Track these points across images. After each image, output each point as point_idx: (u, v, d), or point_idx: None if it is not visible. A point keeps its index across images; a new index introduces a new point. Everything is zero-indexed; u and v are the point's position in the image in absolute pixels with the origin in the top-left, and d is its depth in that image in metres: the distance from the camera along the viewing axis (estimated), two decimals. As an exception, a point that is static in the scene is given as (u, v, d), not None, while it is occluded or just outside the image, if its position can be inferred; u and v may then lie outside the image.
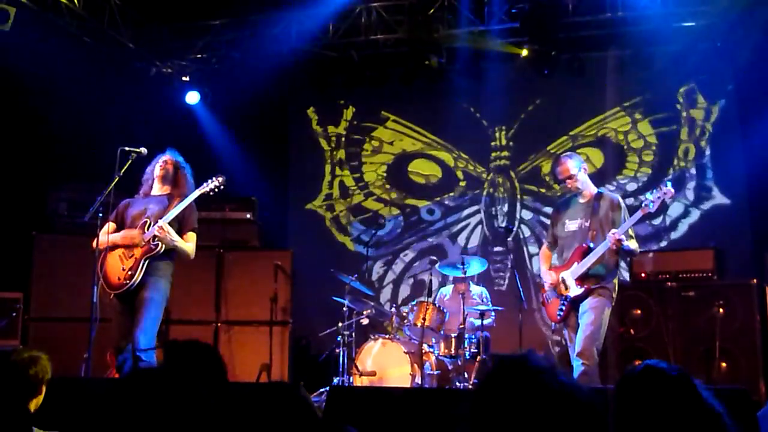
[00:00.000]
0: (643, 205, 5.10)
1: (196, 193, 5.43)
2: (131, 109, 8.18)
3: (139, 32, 8.17)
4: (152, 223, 5.27)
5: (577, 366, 4.96)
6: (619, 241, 4.98)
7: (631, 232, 5.19)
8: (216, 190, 5.54)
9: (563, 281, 5.22)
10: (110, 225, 5.46)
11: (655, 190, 5.11)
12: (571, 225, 5.33)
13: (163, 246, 5.23)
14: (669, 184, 5.11)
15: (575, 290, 5.16)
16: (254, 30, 8.07)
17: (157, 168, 5.52)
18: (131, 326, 5.14)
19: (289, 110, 9.69)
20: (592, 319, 5.03)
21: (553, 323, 5.45)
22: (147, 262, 5.23)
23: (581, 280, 5.15)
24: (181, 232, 5.36)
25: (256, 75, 8.65)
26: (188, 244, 5.39)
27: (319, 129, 9.51)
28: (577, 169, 5.33)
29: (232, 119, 8.95)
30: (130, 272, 5.21)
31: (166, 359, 1.75)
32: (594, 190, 5.40)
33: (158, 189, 5.52)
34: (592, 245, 5.15)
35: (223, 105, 8.94)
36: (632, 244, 5.15)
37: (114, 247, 5.35)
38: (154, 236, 5.21)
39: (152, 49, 8.39)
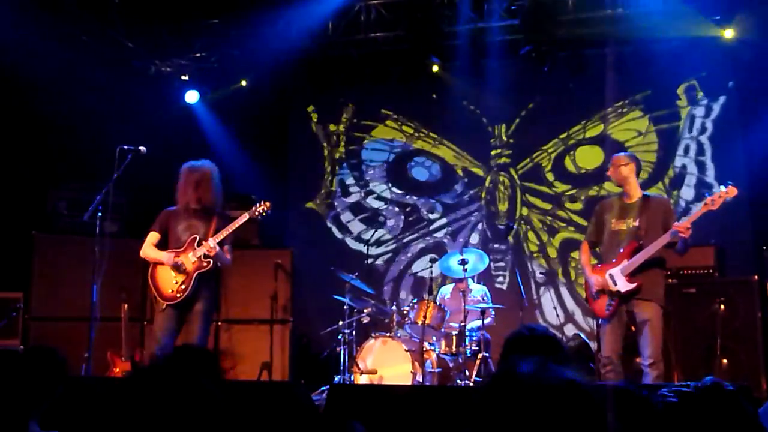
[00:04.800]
0: (705, 201, 5.29)
1: (245, 217, 5.61)
2: (130, 108, 8.17)
3: (137, 31, 8.15)
4: (201, 240, 5.51)
5: (650, 372, 5.23)
6: (689, 230, 5.16)
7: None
8: (263, 214, 5.75)
9: (611, 277, 5.36)
10: (154, 235, 5.65)
11: (721, 187, 5.30)
12: (619, 224, 5.48)
13: (213, 264, 5.50)
14: (729, 183, 5.30)
15: (625, 286, 5.30)
16: (253, 28, 8.06)
17: (191, 188, 5.62)
18: (179, 334, 5.48)
19: (288, 108, 9.68)
20: (654, 330, 5.29)
21: (600, 319, 5.59)
22: (199, 276, 5.47)
23: (631, 276, 5.31)
24: (221, 244, 5.56)
25: (256, 73, 8.67)
26: (228, 255, 5.66)
27: (319, 127, 9.51)
28: (627, 166, 5.53)
29: (232, 118, 8.94)
30: (183, 286, 5.46)
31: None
32: (640, 191, 5.58)
33: (196, 201, 5.63)
34: (642, 243, 5.32)
35: (223, 104, 8.93)
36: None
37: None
38: (205, 254, 5.45)
39: (151, 48, 8.38)
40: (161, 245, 5.63)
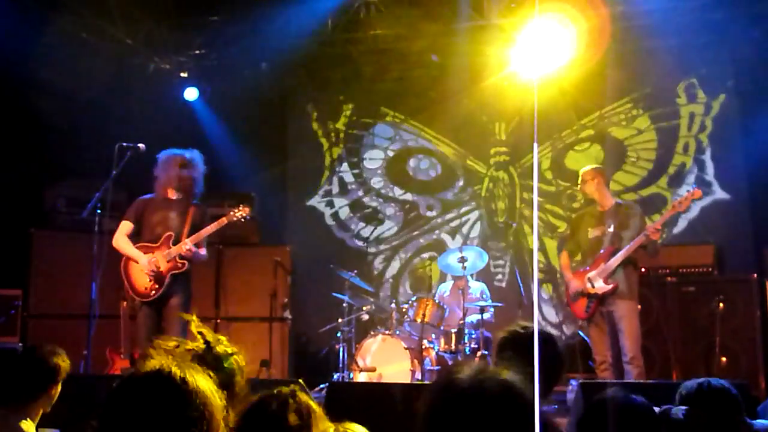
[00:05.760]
0: (673, 204, 5.71)
1: (223, 222, 5.56)
2: (129, 105, 8.16)
3: (136, 28, 8.13)
4: (176, 238, 5.46)
5: (631, 369, 5.46)
6: (659, 231, 5.57)
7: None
8: (241, 220, 5.67)
9: (590, 280, 5.70)
10: (127, 224, 5.59)
11: (690, 189, 5.68)
12: (596, 232, 5.84)
13: (189, 265, 5.47)
14: (694, 186, 5.80)
15: (603, 287, 5.64)
16: (253, 26, 8.04)
17: (175, 177, 5.58)
18: (159, 327, 5.42)
19: (287, 106, 9.67)
20: (631, 325, 5.57)
21: (580, 320, 6.13)
22: (173, 275, 5.44)
23: (608, 278, 5.65)
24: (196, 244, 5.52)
25: (255, 71, 8.65)
26: (203, 252, 5.62)
27: (319, 125, 9.50)
28: (594, 180, 5.89)
29: (231, 115, 8.93)
30: (157, 284, 5.42)
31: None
32: (612, 199, 5.95)
33: (171, 192, 5.61)
34: (617, 247, 5.67)
35: (222, 101, 8.92)
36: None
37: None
38: (180, 254, 5.41)
39: (150, 45, 8.35)
40: (134, 234, 5.59)
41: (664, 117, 8.23)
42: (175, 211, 5.56)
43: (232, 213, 5.63)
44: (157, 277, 5.41)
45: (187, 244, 5.39)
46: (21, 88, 7.31)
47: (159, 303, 5.45)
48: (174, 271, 5.42)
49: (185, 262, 5.44)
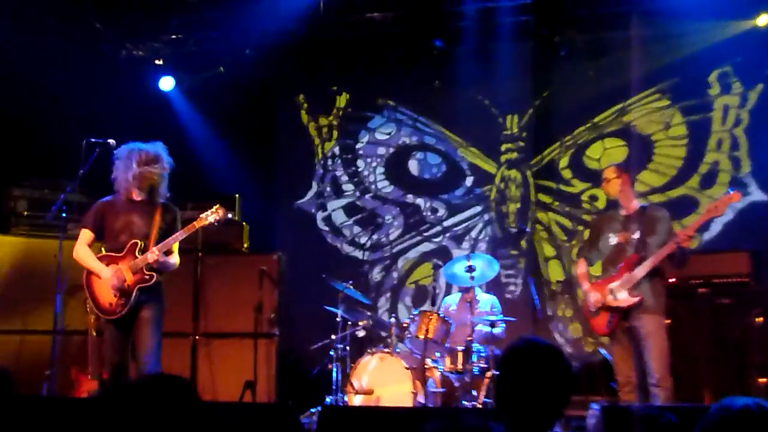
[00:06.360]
0: (708, 208, 5.57)
1: (193, 227, 5.48)
2: (98, 96, 8.13)
3: (106, 10, 8.13)
4: (143, 247, 5.36)
5: (658, 392, 5.43)
6: (691, 238, 5.50)
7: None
8: (216, 223, 5.61)
9: (611, 292, 5.66)
10: (86, 233, 5.51)
11: (728, 192, 5.59)
12: (618, 238, 5.80)
13: (157, 276, 5.38)
14: (732, 189, 5.66)
15: (627, 299, 5.59)
16: (235, 7, 8.04)
17: (140, 174, 5.47)
18: (128, 344, 5.34)
19: (275, 98, 9.68)
20: (658, 343, 5.53)
21: (600, 337, 6.08)
22: (140, 288, 5.35)
23: (632, 289, 5.59)
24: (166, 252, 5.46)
25: (239, 58, 8.65)
26: (175, 259, 5.55)
27: (310, 118, 9.51)
28: (619, 179, 5.83)
29: (212, 108, 8.93)
30: (122, 300, 5.32)
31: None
32: (637, 202, 5.89)
33: (135, 192, 5.52)
34: (643, 255, 5.60)
35: (201, 92, 8.92)
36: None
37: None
38: (148, 265, 5.32)
39: (121, 29, 8.37)
40: (96, 242, 5.52)
41: (695, 109, 8.23)
42: (139, 214, 5.46)
43: (204, 216, 5.55)
44: (123, 291, 5.32)
45: (154, 253, 5.30)
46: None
47: (127, 320, 5.35)
48: (141, 285, 5.33)
49: (153, 273, 5.36)
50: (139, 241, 5.38)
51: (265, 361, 7.59)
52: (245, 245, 8.15)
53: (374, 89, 9.26)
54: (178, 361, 7.30)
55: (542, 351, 2.52)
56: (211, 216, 5.55)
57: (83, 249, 5.45)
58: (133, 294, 5.31)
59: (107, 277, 5.34)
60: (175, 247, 5.52)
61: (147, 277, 5.34)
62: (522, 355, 2.56)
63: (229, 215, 5.66)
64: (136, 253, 5.36)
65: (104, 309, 5.35)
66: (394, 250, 9.09)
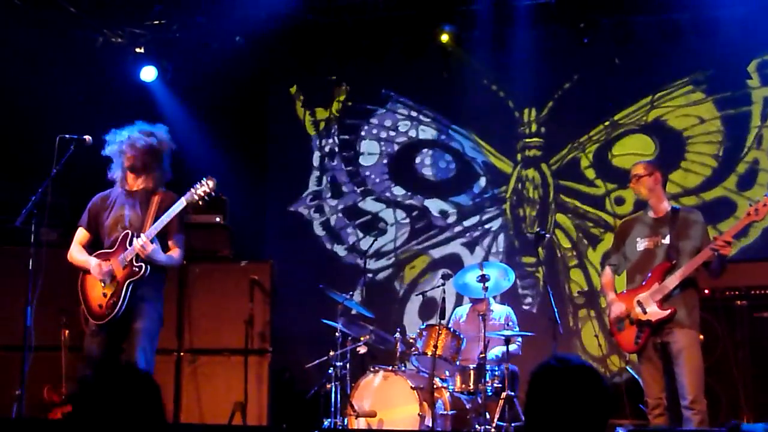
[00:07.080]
0: (748, 211, 5.45)
1: (182, 203, 5.46)
2: (72, 88, 8.18)
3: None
4: (135, 236, 5.36)
5: (691, 416, 5.41)
6: (729, 244, 5.37)
7: None
8: (206, 198, 5.55)
9: (639, 304, 5.60)
10: (82, 232, 5.60)
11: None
12: (647, 243, 5.75)
13: (148, 268, 5.35)
14: None
15: (657, 312, 5.54)
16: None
17: (123, 158, 5.55)
18: (107, 354, 5.29)
19: (267, 88, 9.72)
20: (692, 360, 5.50)
21: (628, 354, 6.00)
22: (132, 285, 5.34)
23: (663, 301, 5.55)
24: (165, 238, 5.48)
25: (227, 45, 8.67)
26: (174, 254, 5.53)
27: (305, 112, 9.55)
28: (651, 177, 5.75)
29: (197, 100, 8.96)
30: (113, 299, 5.34)
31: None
32: (668, 204, 5.85)
33: (131, 181, 5.59)
34: (675, 263, 5.57)
35: (187, 82, 8.95)
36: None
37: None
38: (136, 256, 5.31)
39: (98, 14, 8.38)
40: (95, 244, 5.58)
41: (732, 103, 8.29)
42: (134, 205, 5.52)
43: (192, 191, 5.49)
44: (113, 288, 5.34)
45: (140, 240, 5.29)
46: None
47: (119, 326, 5.37)
48: (131, 279, 5.34)
49: (142, 265, 5.35)
50: (129, 232, 5.42)
51: (256, 380, 7.60)
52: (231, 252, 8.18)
53: (377, 79, 9.30)
54: (161, 380, 7.25)
55: (577, 371, 2.47)
56: (201, 189, 5.49)
57: (75, 247, 5.55)
58: (123, 290, 5.32)
59: (93, 267, 5.38)
60: (179, 243, 5.54)
61: (136, 269, 5.33)
62: (555, 375, 2.51)
63: (212, 186, 5.53)
64: (127, 245, 5.39)
65: (95, 313, 5.38)
66: (400, 258, 9.14)
